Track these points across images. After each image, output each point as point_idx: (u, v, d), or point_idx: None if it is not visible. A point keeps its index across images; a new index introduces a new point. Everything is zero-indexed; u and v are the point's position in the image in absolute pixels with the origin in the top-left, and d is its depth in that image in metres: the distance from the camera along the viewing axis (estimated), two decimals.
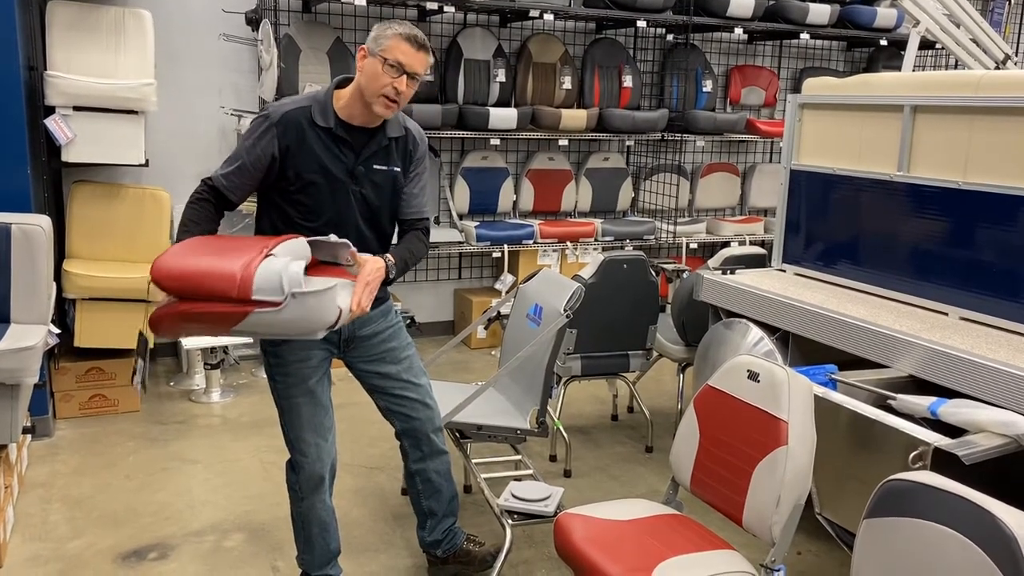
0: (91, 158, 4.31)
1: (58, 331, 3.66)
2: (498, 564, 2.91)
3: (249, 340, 4.95)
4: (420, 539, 3.07)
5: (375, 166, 2.59)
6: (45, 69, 4.26)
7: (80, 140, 4.25)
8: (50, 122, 4.16)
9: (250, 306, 2.11)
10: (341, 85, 2.57)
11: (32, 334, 3.25)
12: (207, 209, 2.52)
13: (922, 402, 2.61)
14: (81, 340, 4.40)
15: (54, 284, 3.76)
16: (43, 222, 3.46)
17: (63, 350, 4.44)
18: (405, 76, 2.44)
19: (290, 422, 2.67)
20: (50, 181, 4.40)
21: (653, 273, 4.14)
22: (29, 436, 3.97)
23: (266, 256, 2.18)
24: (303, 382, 2.64)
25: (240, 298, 2.11)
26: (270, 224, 2.59)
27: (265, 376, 5.33)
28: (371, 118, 2.53)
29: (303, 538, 2.79)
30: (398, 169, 2.64)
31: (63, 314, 4.54)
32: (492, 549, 3.03)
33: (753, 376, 2.37)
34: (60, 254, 4.50)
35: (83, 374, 4.44)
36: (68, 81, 4.17)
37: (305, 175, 2.50)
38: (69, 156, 4.26)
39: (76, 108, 4.21)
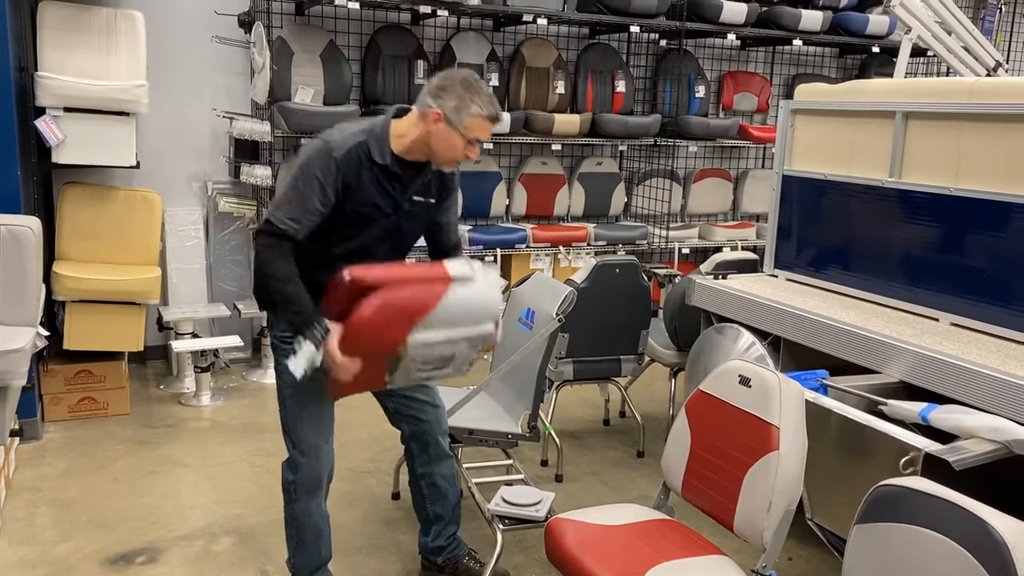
0: (82, 159, 4.29)
1: (47, 333, 3.63)
2: (488, 569, 2.90)
3: (240, 343, 4.93)
4: (421, 545, 3.06)
5: (415, 197, 2.60)
6: (36, 70, 4.24)
7: (71, 141, 4.23)
8: (40, 123, 4.14)
9: (447, 281, 2.35)
10: (397, 114, 2.55)
11: (20, 336, 3.22)
12: (291, 259, 2.42)
13: (913, 408, 2.61)
14: (70, 343, 4.37)
15: (43, 286, 3.73)
16: (32, 223, 3.44)
17: (52, 353, 4.42)
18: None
19: (293, 421, 2.65)
20: (40, 182, 4.38)
21: (645, 278, 4.14)
22: (17, 439, 3.94)
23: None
24: (313, 382, 2.59)
25: (440, 276, 2.34)
26: (300, 258, 2.51)
27: (255, 380, 5.29)
28: (426, 158, 2.54)
29: (295, 541, 2.77)
30: (433, 200, 2.65)
31: (52, 316, 4.51)
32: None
33: (744, 381, 2.37)
34: (50, 256, 4.47)
35: (72, 377, 4.42)
36: (59, 82, 4.15)
37: (358, 208, 2.49)
38: (59, 157, 4.24)
39: (67, 109, 4.19)
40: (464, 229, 5.77)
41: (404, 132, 2.49)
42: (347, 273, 2.28)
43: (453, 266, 2.40)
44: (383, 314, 2.27)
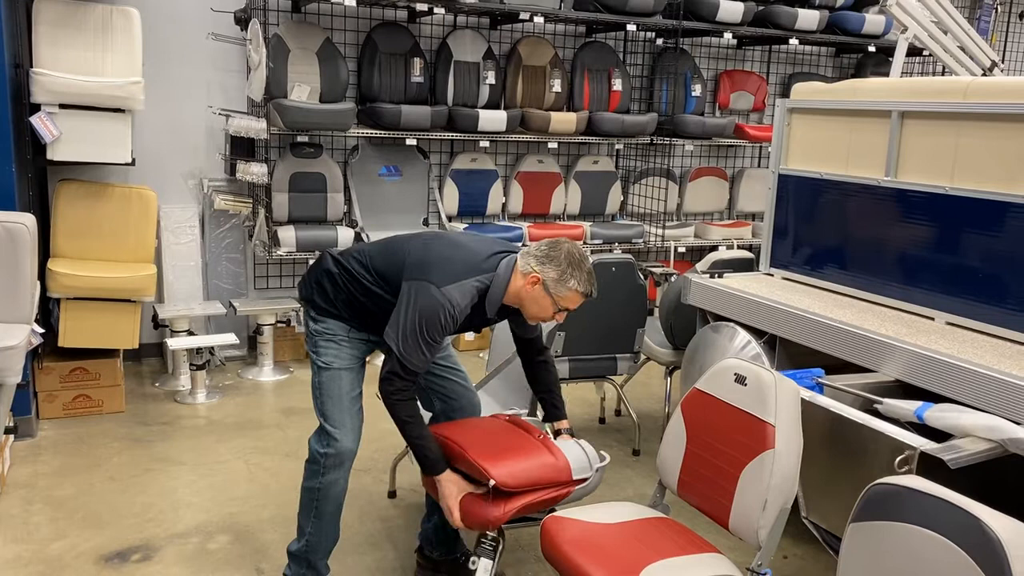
0: (77, 156, 4.27)
1: (42, 331, 3.63)
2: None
3: (236, 340, 4.93)
4: (423, 531, 3.08)
5: (496, 318, 2.77)
6: (31, 66, 4.22)
7: (66, 138, 4.21)
8: (35, 120, 4.13)
9: (573, 485, 2.60)
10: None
11: (15, 333, 3.22)
12: (416, 402, 2.65)
13: (908, 406, 2.61)
14: (65, 340, 4.36)
15: (38, 283, 3.73)
16: (27, 220, 3.44)
17: (47, 350, 4.40)
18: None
19: (326, 399, 2.73)
20: (35, 179, 4.37)
21: (641, 276, 4.14)
22: (11, 436, 3.93)
23: (545, 439, 2.70)
24: (353, 358, 2.75)
25: (566, 481, 2.59)
26: (360, 293, 2.70)
27: (251, 377, 5.28)
28: (515, 307, 2.69)
29: (314, 517, 2.78)
30: (511, 314, 2.80)
31: (47, 313, 4.50)
32: None
33: (740, 379, 2.37)
34: (45, 253, 4.46)
35: (67, 374, 4.41)
36: (54, 79, 4.14)
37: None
38: (55, 154, 4.23)
39: (62, 106, 4.18)
40: (460, 227, 5.76)
41: (509, 289, 2.64)
42: (492, 480, 2.48)
43: (577, 468, 2.61)
44: (517, 513, 2.55)
